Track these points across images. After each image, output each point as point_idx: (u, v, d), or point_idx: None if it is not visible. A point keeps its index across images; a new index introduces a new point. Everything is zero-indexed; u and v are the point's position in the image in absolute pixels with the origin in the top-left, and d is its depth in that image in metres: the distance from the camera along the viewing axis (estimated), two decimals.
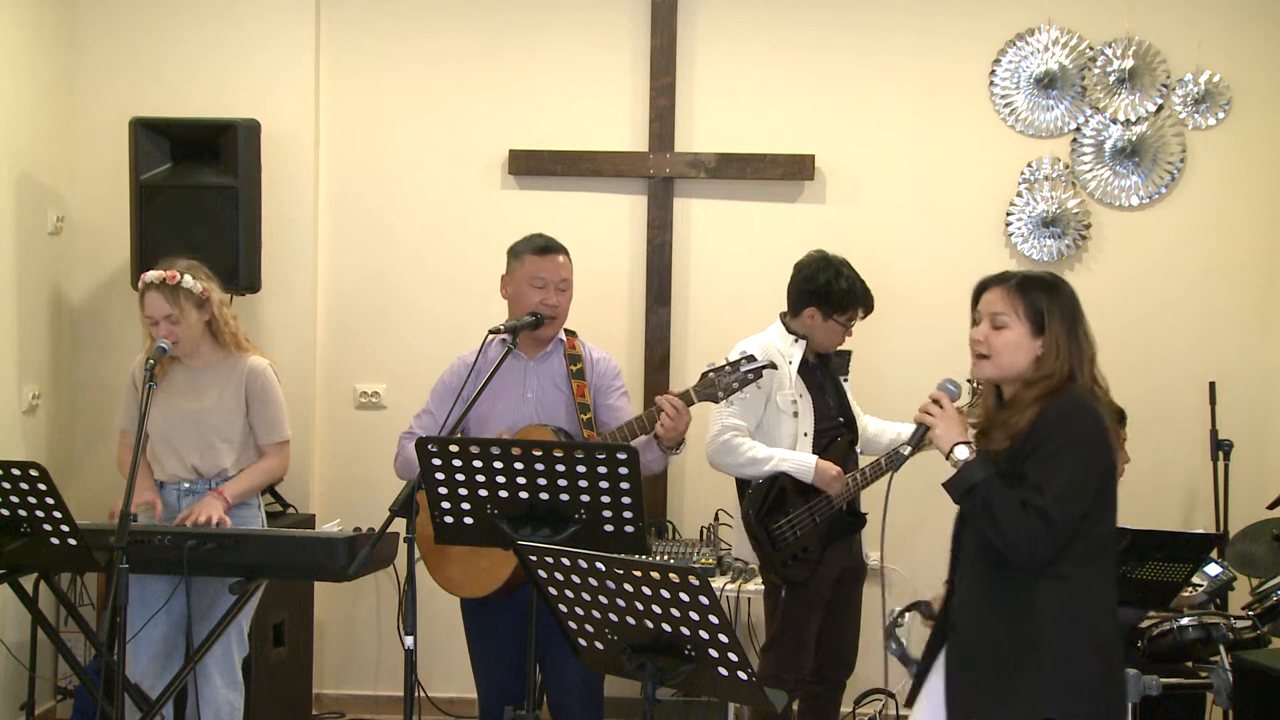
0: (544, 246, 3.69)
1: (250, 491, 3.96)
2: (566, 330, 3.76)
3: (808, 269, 4.20)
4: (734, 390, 3.46)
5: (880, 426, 4.43)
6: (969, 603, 2.85)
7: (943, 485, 2.82)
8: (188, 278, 3.82)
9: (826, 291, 4.14)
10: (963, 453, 2.79)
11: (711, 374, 3.46)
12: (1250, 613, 4.06)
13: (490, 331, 3.48)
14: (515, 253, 3.73)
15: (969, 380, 3.45)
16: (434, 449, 3.00)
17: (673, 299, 5.24)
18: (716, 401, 3.52)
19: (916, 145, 5.24)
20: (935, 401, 2.89)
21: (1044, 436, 2.74)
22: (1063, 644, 2.71)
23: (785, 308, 4.27)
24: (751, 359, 3.46)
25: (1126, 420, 4.22)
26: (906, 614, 3.20)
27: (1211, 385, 5.04)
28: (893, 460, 3.50)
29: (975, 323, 2.92)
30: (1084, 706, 2.72)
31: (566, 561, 2.55)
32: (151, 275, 3.82)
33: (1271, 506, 4.52)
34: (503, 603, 3.50)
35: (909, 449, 2.96)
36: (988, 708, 2.76)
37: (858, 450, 4.31)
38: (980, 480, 2.74)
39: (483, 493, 3.02)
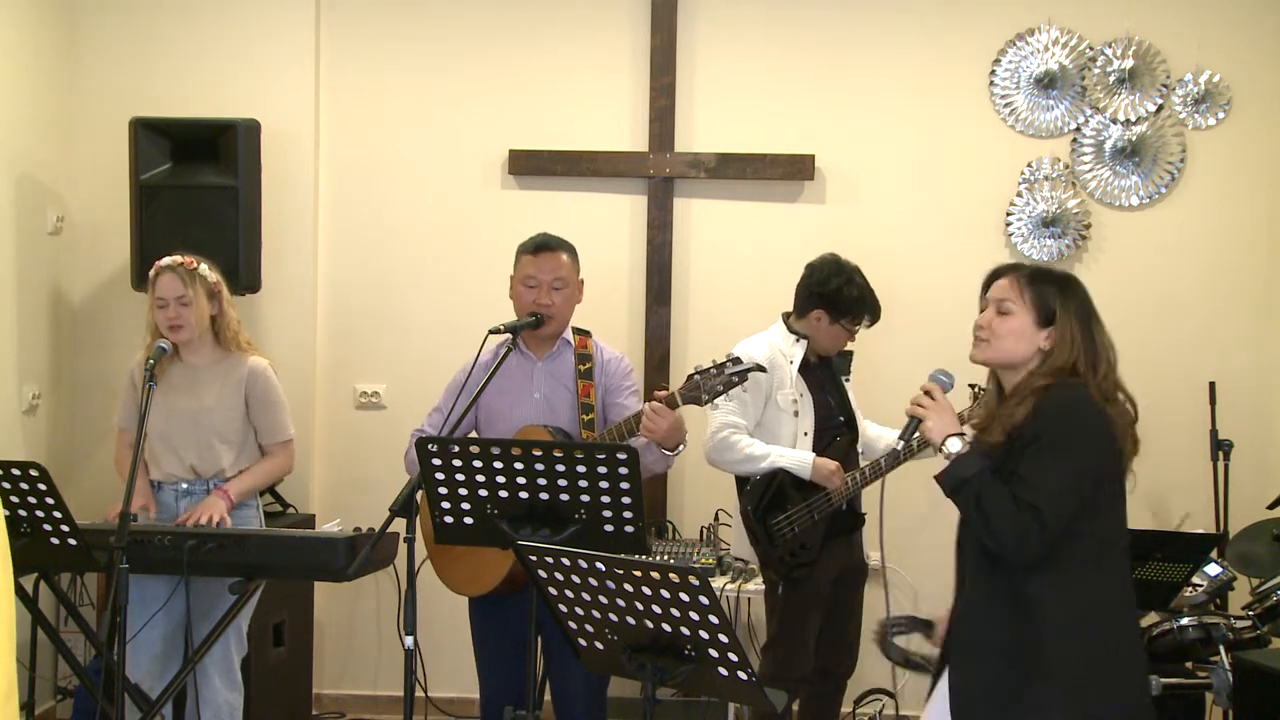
0: (538, 245, 3.68)
1: (253, 490, 3.98)
2: (579, 330, 3.75)
3: (820, 272, 4.18)
4: (719, 393, 3.39)
5: (878, 431, 4.42)
6: (971, 607, 2.77)
7: (935, 478, 2.75)
8: (203, 265, 3.90)
9: (837, 297, 4.13)
10: (955, 445, 2.72)
11: (697, 376, 3.40)
12: (1250, 613, 4.06)
13: (490, 331, 3.47)
14: (516, 254, 3.73)
15: (972, 386, 3.44)
16: (434, 449, 3.00)
17: (673, 299, 5.23)
18: (701, 404, 3.44)
19: (916, 145, 5.23)
20: (927, 393, 2.83)
21: (1040, 429, 2.64)
22: (1068, 647, 2.62)
23: (787, 307, 4.27)
24: (738, 361, 3.39)
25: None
26: (902, 632, 3.19)
27: (1211, 385, 5.03)
28: (891, 459, 3.53)
29: (982, 310, 2.86)
30: (1095, 712, 2.62)
31: (566, 561, 2.55)
32: (168, 260, 3.89)
33: (1271, 506, 4.52)
34: (511, 599, 3.47)
35: (902, 443, 2.93)
36: (992, 715, 2.67)
37: (858, 450, 4.31)
38: (973, 474, 2.66)
39: (483, 493, 3.02)
